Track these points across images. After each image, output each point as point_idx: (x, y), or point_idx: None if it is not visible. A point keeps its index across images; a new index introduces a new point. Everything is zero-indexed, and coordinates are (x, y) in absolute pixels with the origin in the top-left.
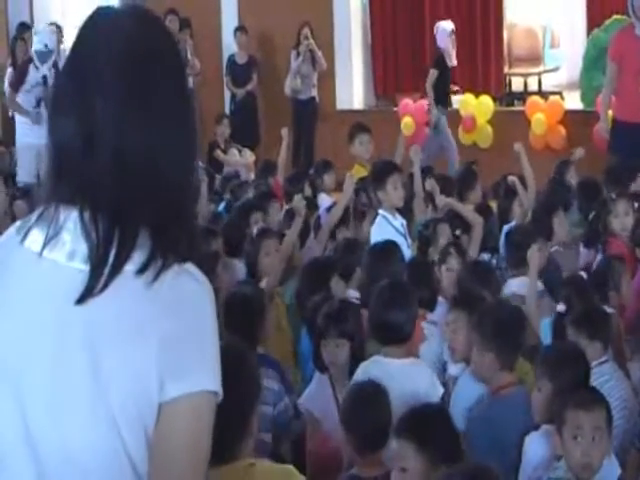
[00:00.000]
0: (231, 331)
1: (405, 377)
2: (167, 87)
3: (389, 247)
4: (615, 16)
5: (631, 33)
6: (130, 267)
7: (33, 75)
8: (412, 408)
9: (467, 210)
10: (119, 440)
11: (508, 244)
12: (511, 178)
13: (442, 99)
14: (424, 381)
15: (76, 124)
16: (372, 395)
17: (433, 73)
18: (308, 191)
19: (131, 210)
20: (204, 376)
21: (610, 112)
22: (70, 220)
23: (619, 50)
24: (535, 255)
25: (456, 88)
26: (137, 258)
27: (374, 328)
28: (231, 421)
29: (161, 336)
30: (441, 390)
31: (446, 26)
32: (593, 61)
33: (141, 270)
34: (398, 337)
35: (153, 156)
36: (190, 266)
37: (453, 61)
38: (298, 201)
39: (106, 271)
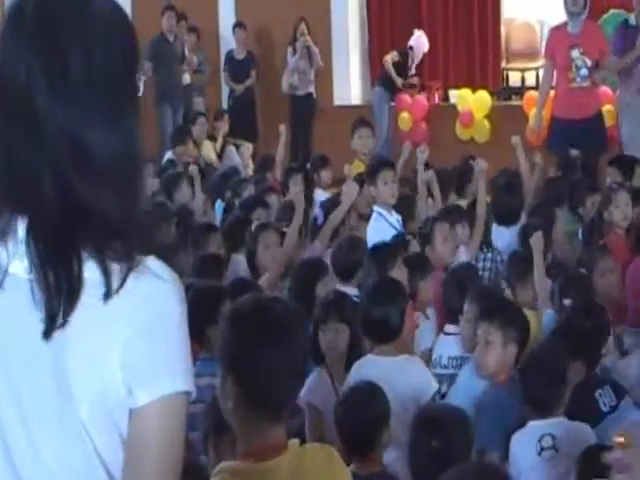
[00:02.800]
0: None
1: (398, 374)
2: (106, 77)
3: (390, 249)
4: (612, 10)
5: (564, 30)
6: (92, 283)
7: None
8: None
9: (481, 202)
10: (92, 449)
11: (521, 241)
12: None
13: (391, 85)
14: (418, 377)
15: (16, 121)
16: (365, 397)
17: (394, 56)
18: (301, 186)
19: (81, 215)
20: (173, 378)
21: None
22: (24, 232)
23: (552, 47)
24: (539, 240)
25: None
26: (96, 274)
27: (364, 325)
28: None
29: (124, 343)
30: (435, 386)
31: (425, 42)
32: None
33: (107, 294)
34: (386, 333)
35: (89, 147)
36: (153, 262)
37: (412, 68)
38: (297, 194)
39: (62, 304)
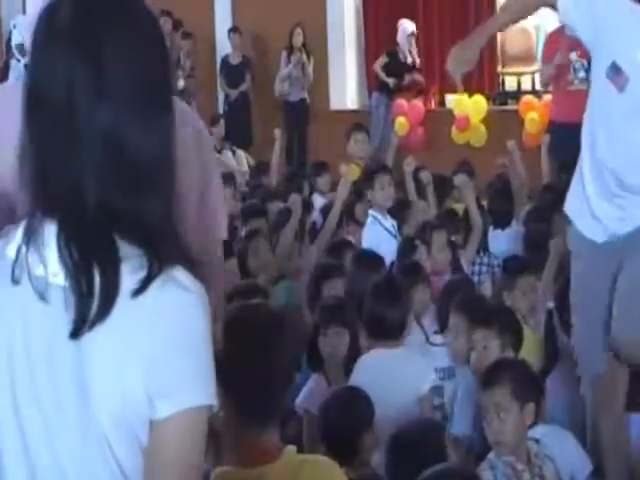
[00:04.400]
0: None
1: (399, 366)
2: (145, 77)
3: (374, 258)
4: None
5: (562, 33)
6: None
7: (15, 68)
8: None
9: (474, 209)
10: (112, 458)
11: (526, 245)
12: (426, 175)
13: (385, 88)
14: (417, 368)
15: (55, 123)
16: (346, 402)
17: (382, 60)
18: (306, 190)
19: (113, 218)
20: (195, 391)
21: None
22: (52, 235)
23: (552, 51)
24: (560, 246)
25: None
26: (128, 277)
27: (370, 323)
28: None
29: (148, 353)
30: (433, 376)
31: (407, 26)
32: None
33: (137, 292)
34: (394, 331)
35: (136, 150)
36: (179, 272)
37: (408, 58)
38: (294, 200)
39: (96, 304)
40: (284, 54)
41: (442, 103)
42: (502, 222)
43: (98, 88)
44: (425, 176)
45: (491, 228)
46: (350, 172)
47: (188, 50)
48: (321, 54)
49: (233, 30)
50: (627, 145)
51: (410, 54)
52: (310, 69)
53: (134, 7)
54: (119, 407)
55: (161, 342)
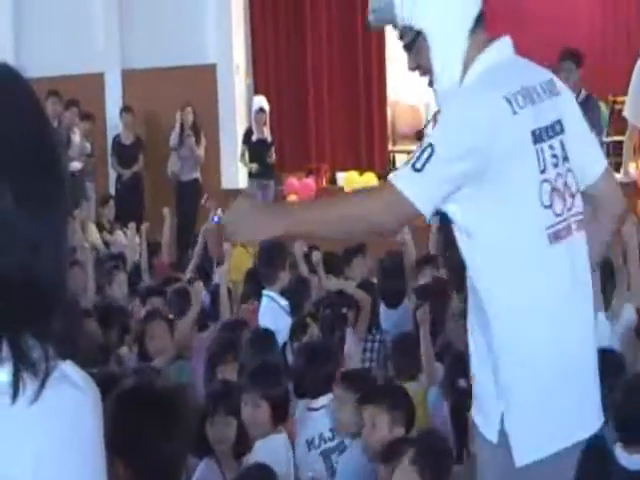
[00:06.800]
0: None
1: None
2: (34, 169)
3: (266, 336)
4: None
5: None
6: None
7: None
8: None
9: (355, 290)
10: None
11: (413, 320)
12: (316, 255)
13: (256, 174)
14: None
15: None
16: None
17: (242, 148)
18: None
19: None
20: None
21: None
22: None
23: None
24: (426, 316)
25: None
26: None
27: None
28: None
29: (37, 453)
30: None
31: (256, 102)
32: None
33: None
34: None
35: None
36: (70, 369)
37: (257, 135)
38: (197, 286)
39: None
40: (173, 135)
41: (333, 181)
42: (393, 301)
43: None
44: (315, 255)
45: (383, 305)
46: (235, 253)
47: (86, 130)
48: (213, 133)
49: (125, 110)
50: None
51: (260, 131)
52: (201, 149)
53: None
54: None
55: (50, 443)
